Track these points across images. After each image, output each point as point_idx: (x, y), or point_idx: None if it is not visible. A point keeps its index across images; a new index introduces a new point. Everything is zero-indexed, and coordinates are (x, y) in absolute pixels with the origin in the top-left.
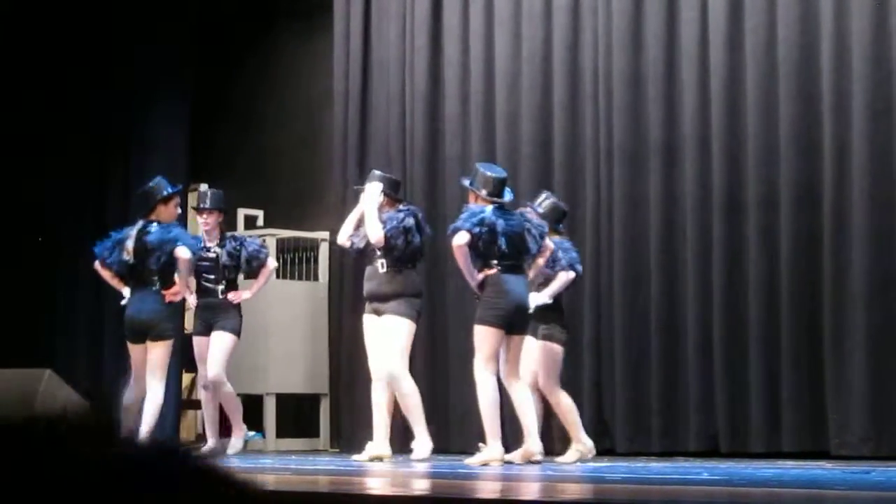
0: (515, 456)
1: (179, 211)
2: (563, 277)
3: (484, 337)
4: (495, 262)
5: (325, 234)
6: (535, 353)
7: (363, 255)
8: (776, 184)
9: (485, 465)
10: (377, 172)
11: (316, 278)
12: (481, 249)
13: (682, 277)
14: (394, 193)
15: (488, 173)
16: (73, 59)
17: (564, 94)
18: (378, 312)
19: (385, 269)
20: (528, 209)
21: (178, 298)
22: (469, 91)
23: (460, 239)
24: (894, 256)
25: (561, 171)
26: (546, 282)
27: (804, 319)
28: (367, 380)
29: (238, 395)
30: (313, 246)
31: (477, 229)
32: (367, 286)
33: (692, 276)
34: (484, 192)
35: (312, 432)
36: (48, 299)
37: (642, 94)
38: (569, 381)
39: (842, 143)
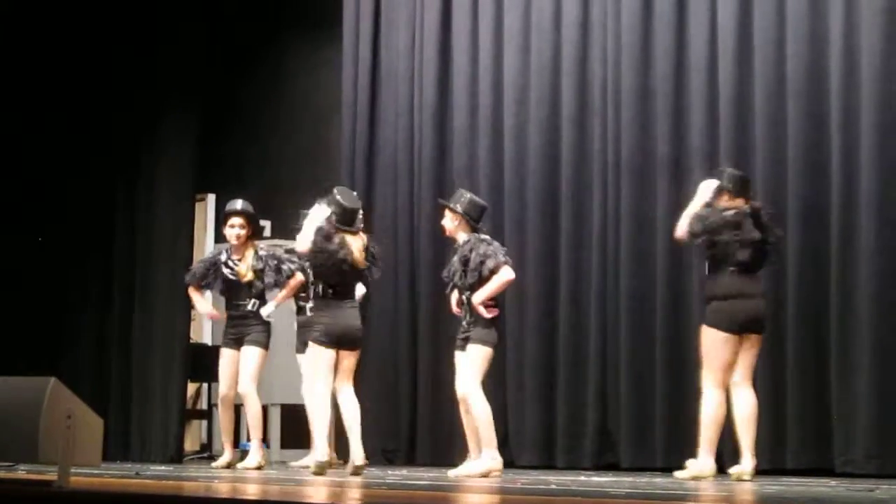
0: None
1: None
2: None
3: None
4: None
5: None
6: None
7: None
8: (783, 199)
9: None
10: (468, 196)
11: None
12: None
13: (688, 291)
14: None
15: (472, 197)
16: (83, 70)
17: (573, 108)
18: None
19: None
20: None
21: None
22: (477, 103)
23: (512, 274)
24: None
25: (568, 185)
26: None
27: (810, 335)
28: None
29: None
30: None
31: None
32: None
33: (699, 291)
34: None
35: None
36: (53, 309)
37: (650, 108)
38: (573, 395)
39: (850, 159)
